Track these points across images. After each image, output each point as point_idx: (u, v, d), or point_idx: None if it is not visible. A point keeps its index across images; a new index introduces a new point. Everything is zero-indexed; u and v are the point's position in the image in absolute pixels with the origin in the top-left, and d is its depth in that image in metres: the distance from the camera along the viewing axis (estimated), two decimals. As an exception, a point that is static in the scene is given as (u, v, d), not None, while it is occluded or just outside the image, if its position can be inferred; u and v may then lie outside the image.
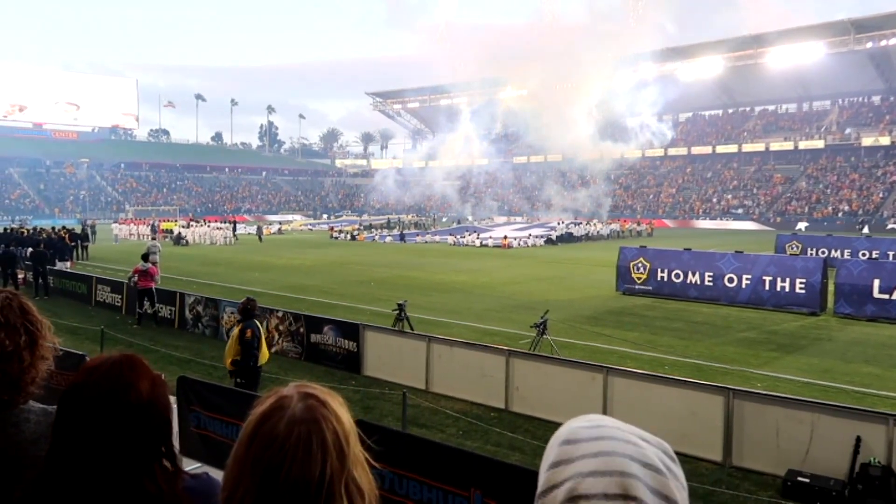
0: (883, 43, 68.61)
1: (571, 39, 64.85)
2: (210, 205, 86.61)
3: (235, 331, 8.77)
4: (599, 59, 65.57)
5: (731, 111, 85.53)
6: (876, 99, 75.42)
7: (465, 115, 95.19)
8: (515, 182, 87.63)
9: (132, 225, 52.42)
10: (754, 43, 74.78)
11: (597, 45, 62.92)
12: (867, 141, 67.91)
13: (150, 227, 48.08)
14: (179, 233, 44.60)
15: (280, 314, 13.07)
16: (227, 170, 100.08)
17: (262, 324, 9.48)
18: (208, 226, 47.87)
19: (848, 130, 71.45)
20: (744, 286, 17.94)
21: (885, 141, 66.74)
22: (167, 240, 43.15)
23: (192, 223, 50.98)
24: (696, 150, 79.38)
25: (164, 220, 56.17)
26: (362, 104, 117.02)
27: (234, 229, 47.67)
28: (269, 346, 13.03)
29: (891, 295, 15.85)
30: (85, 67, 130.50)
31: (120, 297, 17.41)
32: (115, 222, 54.85)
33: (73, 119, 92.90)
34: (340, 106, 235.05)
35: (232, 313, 13.59)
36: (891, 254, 24.43)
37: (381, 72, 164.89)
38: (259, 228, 51.95)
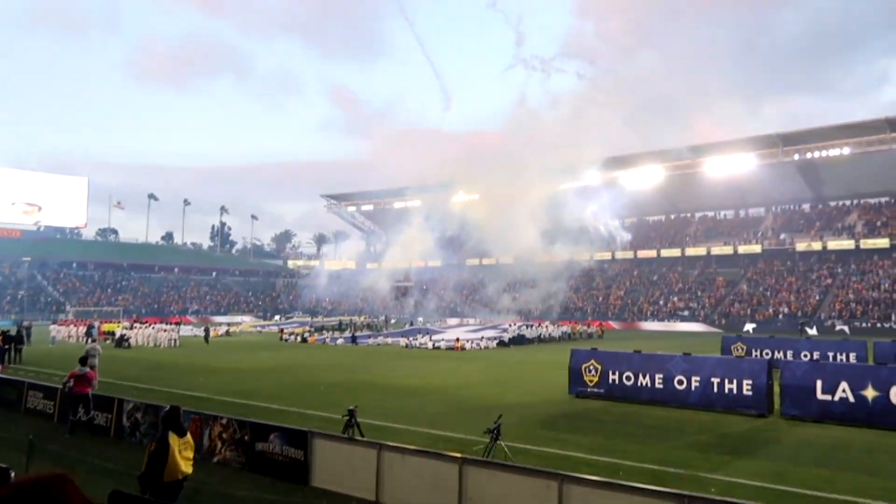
0: (808, 155, 73.92)
1: (520, 147, 67.82)
2: (156, 305, 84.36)
3: (151, 445, 8.33)
4: (548, 165, 68.46)
5: (673, 217, 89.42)
6: (806, 206, 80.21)
7: (417, 218, 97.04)
8: (467, 284, 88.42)
9: (72, 326, 50.37)
10: (692, 154, 79.56)
11: (545, 152, 65.85)
12: (801, 246, 71.50)
13: (86, 329, 46.17)
14: (122, 335, 43.04)
15: (224, 421, 12.53)
16: (176, 270, 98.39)
17: (187, 433, 8.74)
18: (153, 327, 46.41)
19: (783, 236, 75.23)
20: (693, 388, 18.12)
21: (817, 246, 70.41)
22: (108, 342, 41.54)
23: (136, 324, 49.36)
24: (641, 253, 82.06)
25: (105, 322, 54.28)
26: (317, 205, 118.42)
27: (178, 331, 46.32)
28: (212, 455, 12.41)
29: (833, 395, 16.20)
30: (37, 165, 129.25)
31: (52, 403, 16.48)
32: (53, 323, 52.70)
33: (19, 217, 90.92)
34: (295, 207, 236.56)
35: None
36: (831, 355, 25.19)
37: (336, 174, 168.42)
38: (206, 329, 50.62)
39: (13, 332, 34.06)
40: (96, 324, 49.12)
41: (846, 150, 70.42)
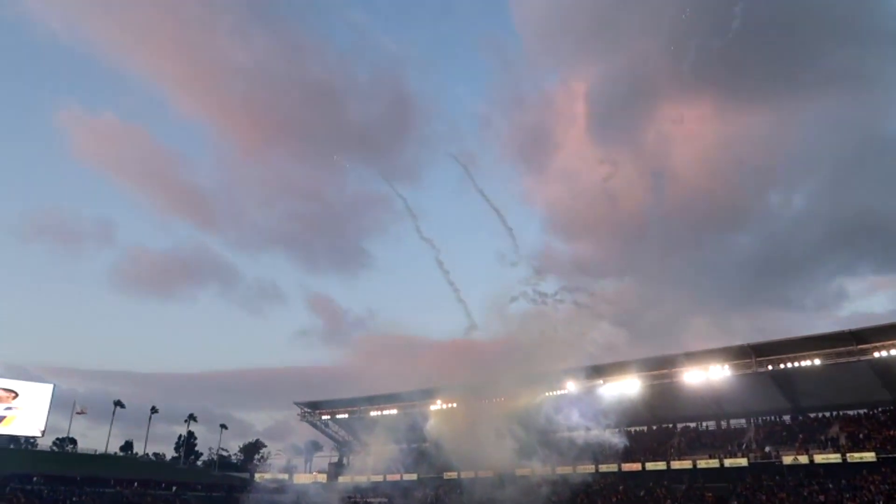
0: (781, 366, 74.35)
1: (501, 356, 68.34)
2: (106, 525, 77.57)
3: None
4: (528, 375, 68.42)
5: (655, 428, 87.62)
6: (787, 418, 79.27)
7: (393, 427, 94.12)
8: (443, 499, 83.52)
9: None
10: (666, 364, 79.88)
11: (526, 361, 66.22)
12: (787, 459, 69.49)
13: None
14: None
15: None
16: (134, 483, 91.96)
17: None
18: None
19: (767, 448, 73.46)
20: None
21: (803, 460, 68.49)
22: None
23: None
24: (626, 466, 79.01)
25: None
26: (289, 414, 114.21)
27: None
28: None
29: None
30: (2, 371, 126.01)
31: None
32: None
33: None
34: (266, 415, 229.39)
35: None
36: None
37: (311, 381, 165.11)
38: None
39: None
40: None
41: (817, 361, 71.01)
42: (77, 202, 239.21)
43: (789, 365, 73.79)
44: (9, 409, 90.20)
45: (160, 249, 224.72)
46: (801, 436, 73.45)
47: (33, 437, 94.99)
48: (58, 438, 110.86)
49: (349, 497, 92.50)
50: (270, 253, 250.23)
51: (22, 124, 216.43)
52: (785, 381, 76.00)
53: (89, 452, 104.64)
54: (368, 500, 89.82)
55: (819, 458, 67.89)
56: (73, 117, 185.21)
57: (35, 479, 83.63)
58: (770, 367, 75.12)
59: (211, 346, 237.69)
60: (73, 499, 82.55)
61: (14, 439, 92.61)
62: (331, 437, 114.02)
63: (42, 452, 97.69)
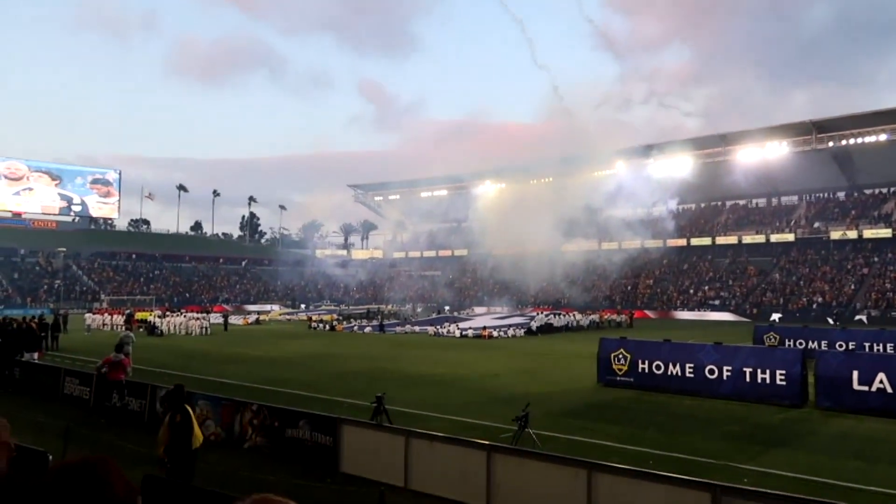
0: (843, 142, 72.07)
1: (549, 136, 67.33)
2: (188, 294, 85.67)
3: (166, 419, 8.88)
4: (578, 154, 67.87)
5: (703, 205, 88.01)
6: (840, 194, 78.29)
7: (444, 207, 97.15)
8: (494, 273, 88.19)
9: (106, 315, 51.37)
10: (722, 142, 78.26)
11: (574, 140, 65.30)
12: (835, 234, 69.88)
13: (124, 317, 47.01)
14: (154, 323, 43.80)
15: (254, 408, 12.68)
16: (206, 260, 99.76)
17: (192, 410, 9.57)
18: (184, 316, 47.15)
19: (816, 224, 73.64)
20: (725, 378, 17.86)
21: (852, 235, 68.75)
22: (141, 330, 42.28)
23: (167, 313, 50.19)
24: (671, 242, 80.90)
25: (139, 310, 55.27)
26: (344, 196, 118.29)
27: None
28: (243, 441, 12.58)
29: (870, 387, 15.84)
30: (73, 159, 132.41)
31: (88, 390, 16.81)
32: (88, 312, 53.80)
33: (55, 209, 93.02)
34: (322, 198, 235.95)
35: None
36: (867, 345, 24.63)
37: (364, 166, 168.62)
38: (225, 318, 51.30)
39: (49, 320, 34.89)
40: (130, 312, 49.98)
41: (882, 137, 68.54)
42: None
43: (851, 141, 71.36)
44: (83, 193, 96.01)
45: (208, 38, 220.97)
46: (853, 212, 72.91)
47: (110, 219, 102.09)
48: (132, 220, 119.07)
49: (404, 270, 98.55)
50: (318, 38, 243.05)
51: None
52: (845, 158, 73.85)
53: (163, 232, 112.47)
54: (423, 272, 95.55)
55: (868, 234, 67.93)
56: None
57: (119, 255, 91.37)
58: (831, 144, 72.87)
59: (264, 133, 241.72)
60: (154, 273, 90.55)
61: (94, 221, 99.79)
62: (384, 217, 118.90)
63: (121, 233, 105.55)
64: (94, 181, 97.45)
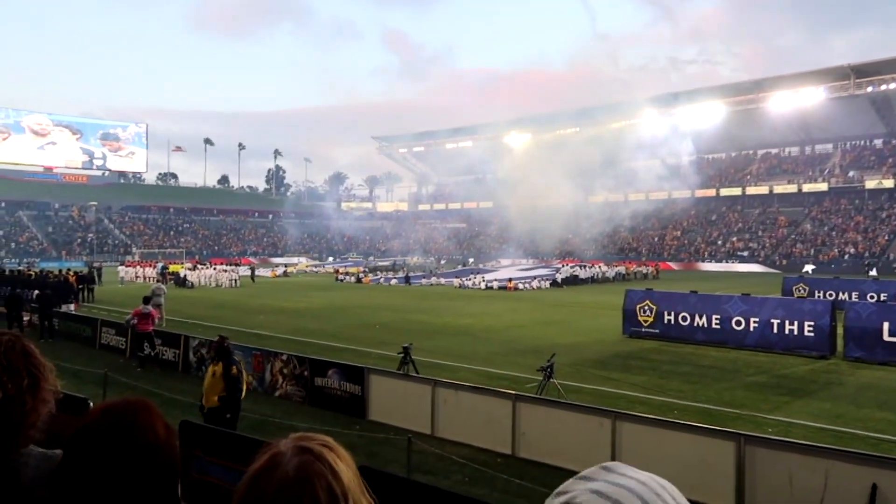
0: (883, 87, 69.37)
1: (577, 84, 65.93)
2: (216, 247, 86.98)
3: (212, 369, 9.16)
4: (604, 102, 66.51)
5: (733, 154, 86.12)
6: (878, 142, 75.92)
7: (469, 159, 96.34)
8: (520, 224, 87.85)
9: (138, 267, 52.49)
10: (755, 88, 75.87)
11: (601, 89, 63.86)
12: (871, 184, 68.07)
13: (157, 270, 47.99)
14: (185, 275, 44.68)
15: (284, 357, 12.98)
16: (233, 213, 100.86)
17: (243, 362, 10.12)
18: (214, 268, 47.97)
19: (851, 173, 71.75)
20: (752, 329, 17.77)
21: (888, 184, 66.89)
22: (171, 282, 43.17)
23: (197, 265, 51.08)
24: (700, 192, 79.61)
25: (170, 263, 56.32)
26: (368, 148, 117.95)
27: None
28: (274, 390, 12.94)
29: (901, 338, 15.65)
30: (101, 113, 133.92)
31: (124, 339, 17.34)
32: (121, 265, 55.01)
33: (85, 163, 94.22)
34: (347, 150, 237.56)
35: (209, 352, 13.46)
36: (899, 296, 24.20)
37: (388, 117, 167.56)
38: (252, 269, 52.07)
39: (85, 272, 35.76)
40: (163, 265, 50.96)
41: (925, 81, 65.92)
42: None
43: (892, 86, 68.71)
44: (112, 148, 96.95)
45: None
46: (890, 160, 70.81)
47: (139, 173, 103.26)
48: (160, 173, 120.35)
49: (429, 222, 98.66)
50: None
51: None
52: (884, 104, 71.32)
53: (191, 186, 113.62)
54: (448, 224, 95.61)
55: (905, 183, 66.14)
56: None
57: (149, 209, 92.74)
58: (869, 89, 70.24)
59: (289, 84, 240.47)
60: (184, 226, 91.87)
61: (123, 175, 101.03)
62: (409, 169, 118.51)
63: (150, 186, 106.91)
64: (105, 136, 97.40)
